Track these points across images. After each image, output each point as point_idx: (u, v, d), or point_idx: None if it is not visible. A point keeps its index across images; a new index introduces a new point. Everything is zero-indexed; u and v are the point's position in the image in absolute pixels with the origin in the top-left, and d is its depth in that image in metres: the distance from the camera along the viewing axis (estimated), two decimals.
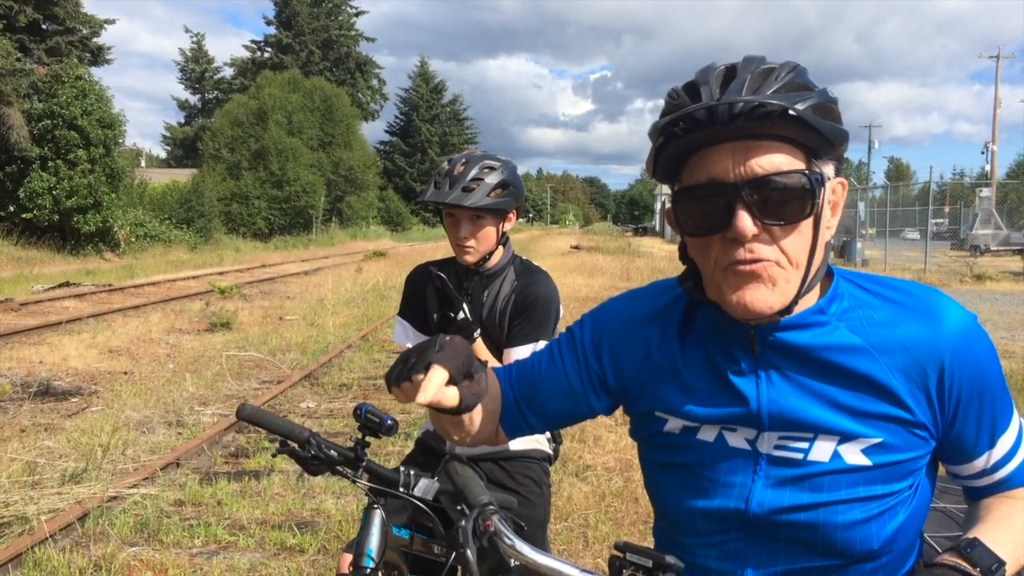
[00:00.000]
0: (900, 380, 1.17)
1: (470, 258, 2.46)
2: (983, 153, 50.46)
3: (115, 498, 5.08)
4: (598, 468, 5.79)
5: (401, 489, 1.84)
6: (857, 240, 29.76)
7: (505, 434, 1.44)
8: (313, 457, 1.81)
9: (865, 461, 1.17)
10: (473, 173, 2.40)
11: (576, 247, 39.03)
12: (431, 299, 2.59)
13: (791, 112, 1.06)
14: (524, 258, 2.61)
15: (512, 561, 1.24)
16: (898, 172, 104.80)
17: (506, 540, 1.23)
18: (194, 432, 6.73)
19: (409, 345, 2.62)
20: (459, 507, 1.46)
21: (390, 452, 6.08)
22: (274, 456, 2.00)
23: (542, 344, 2.42)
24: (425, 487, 1.84)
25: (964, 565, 1.10)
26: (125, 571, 4.21)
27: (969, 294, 18.88)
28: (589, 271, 23.77)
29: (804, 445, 1.19)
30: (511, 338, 2.45)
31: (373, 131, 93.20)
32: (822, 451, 1.18)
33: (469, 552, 1.22)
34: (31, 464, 5.70)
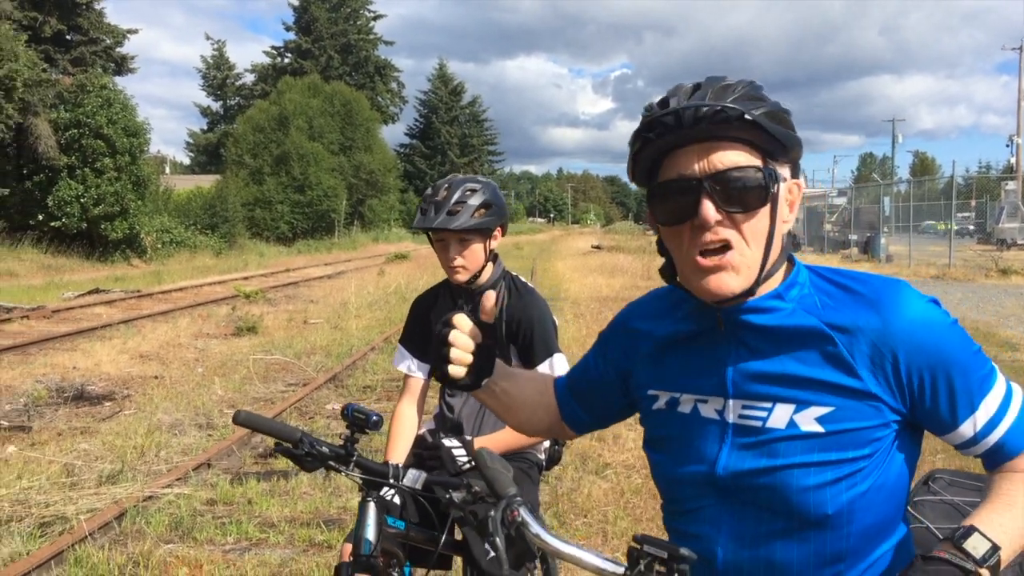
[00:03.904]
0: (853, 355, 1.28)
1: (460, 277, 2.60)
2: (1008, 146, 49.94)
3: (150, 498, 5.26)
4: (617, 466, 5.91)
5: (391, 480, 1.98)
6: (880, 236, 29.59)
7: (572, 430, 1.68)
8: (306, 454, 1.95)
9: (818, 428, 1.28)
10: (456, 196, 2.52)
11: (597, 247, 39.06)
12: (435, 324, 2.74)
13: (747, 116, 1.22)
14: (514, 274, 2.75)
15: (537, 549, 1.35)
16: (923, 166, 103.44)
17: (532, 530, 1.33)
18: (224, 434, 6.91)
19: (406, 371, 2.81)
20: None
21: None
22: (270, 456, 2.17)
23: (557, 356, 2.62)
24: (413, 477, 1.98)
25: (958, 556, 1.16)
26: (162, 567, 4.38)
27: (994, 288, 18.75)
28: (610, 271, 23.83)
29: (763, 414, 1.32)
30: (531, 361, 2.61)
31: (393, 134, 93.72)
32: (779, 418, 1.31)
33: (498, 540, 1.32)
34: (69, 466, 5.91)
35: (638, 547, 1.19)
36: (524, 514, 1.34)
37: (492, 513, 1.33)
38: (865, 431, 1.29)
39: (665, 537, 1.40)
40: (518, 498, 1.36)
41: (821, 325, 1.30)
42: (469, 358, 1.42)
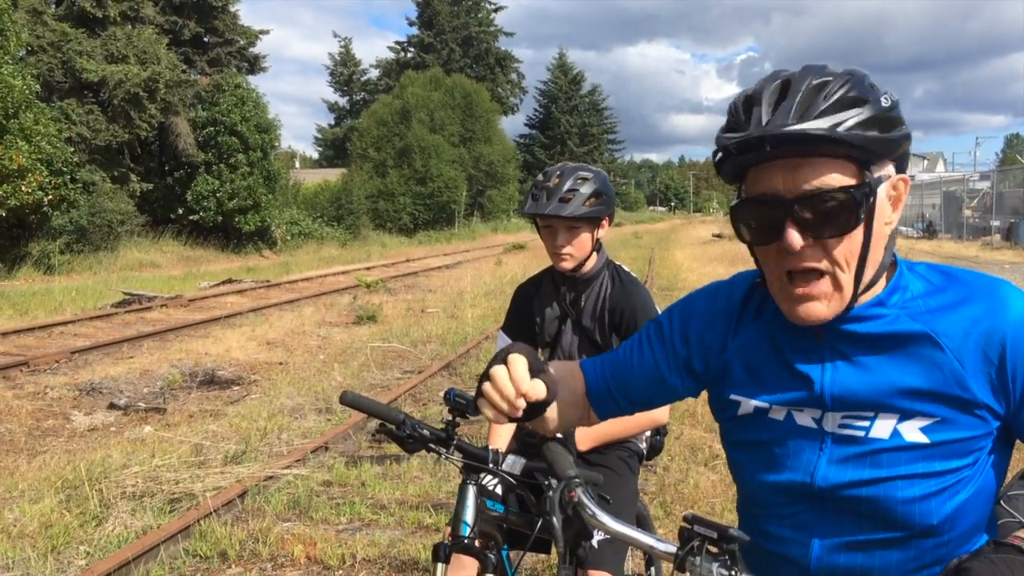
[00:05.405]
0: (960, 362, 1.21)
1: (567, 265, 2.61)
2: None
3: (271, 478, 5.51)
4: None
5: (490, 465, 2.01)
6: None
7: (598, 416, 1.57)
8: (408, 436, 2.00)
9: (923, 439, 1.22)
10: (568, 184, 2.53)
11: (718, 235, 38.27)
12: (537, 311, 2.77)
13: (834, 137, 1.13)
14: (617, 263, 2.74)
15: (596, 531, 1.37)
16: None
17: (588, 510, 1.35)
18: (341, 419, 7.13)
19: None
20: (547, 480, 1.60)
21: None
22: (373, 435, 2.22)
23: None
24: (511, 463, 2.00)
25: None
26: (279, 544, 4.59)
27: None
28: (730, 260, 23.29)
29: (865, 424, 1.26)
30: None
31: (513, 125, 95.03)
32: (882, 429, 1.24)
33: (555, 519, 1.35)
34: (198, 446, 6.25)
35: (689, 526, 1.19)
36: (581, 495, 1.35)
37: (550, 493, 1.35)
38: (970, 441, 1.23)
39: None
40: (576, 479, 1.38)
41: (928, 331, 1.23)
42: (508, 409, 1.31)
